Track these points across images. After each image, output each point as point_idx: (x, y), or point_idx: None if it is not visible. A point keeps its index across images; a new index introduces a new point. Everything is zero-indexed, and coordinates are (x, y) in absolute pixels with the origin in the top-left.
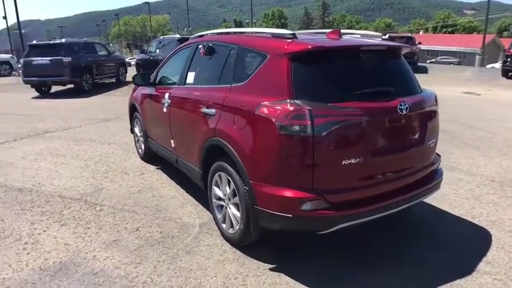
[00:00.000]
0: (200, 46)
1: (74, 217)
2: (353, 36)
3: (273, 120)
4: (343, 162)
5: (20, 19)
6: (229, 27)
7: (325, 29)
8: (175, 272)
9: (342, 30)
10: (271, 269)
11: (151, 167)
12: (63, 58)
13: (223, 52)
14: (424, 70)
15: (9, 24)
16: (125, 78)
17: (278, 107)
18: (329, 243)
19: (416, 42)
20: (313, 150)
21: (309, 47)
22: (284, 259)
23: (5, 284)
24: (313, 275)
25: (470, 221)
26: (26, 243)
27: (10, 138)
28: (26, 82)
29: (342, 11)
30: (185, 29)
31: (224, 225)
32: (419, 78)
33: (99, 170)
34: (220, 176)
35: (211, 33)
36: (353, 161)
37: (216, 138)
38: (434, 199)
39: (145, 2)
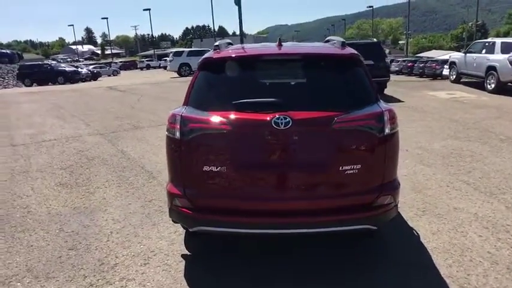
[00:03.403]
0: None
1: None
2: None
3: (166, 123)
4: (204, 168)
5: (270, 24)
6: (468, 29)
7: None
8: None
9: None
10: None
11: None
12: None
13: None
14: None
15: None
16: None
17: (170, 112)
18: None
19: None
20: (180, 153)
21: (212, 57)
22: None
23: None
24: None
25: None
26: None
27: None
28: None
29: None
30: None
31: None
32: None
33: None
34: None
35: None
36: (214, 168)
37: None
38: None
39: (369, 6)
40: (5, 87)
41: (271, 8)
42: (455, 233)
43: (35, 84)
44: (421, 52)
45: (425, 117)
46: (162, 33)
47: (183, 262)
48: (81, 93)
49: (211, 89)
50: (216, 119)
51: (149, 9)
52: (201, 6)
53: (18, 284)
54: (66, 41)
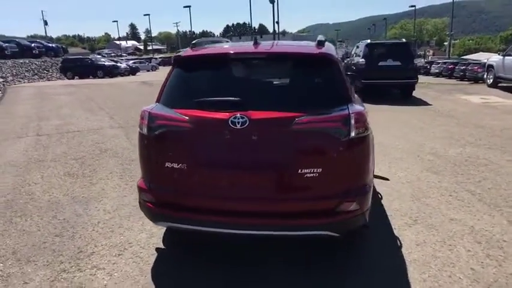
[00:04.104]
0: None
1: None
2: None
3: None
4: (166, 164)
5: (311, 23)
6: None
7: None
8: None
9: None
10: None
11: None
12: None
13: None
14: None
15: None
16: None
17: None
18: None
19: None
20: (146, 148)
21: (181, 55)
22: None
23: None
24: None
25: None
26: None
27: None
28: None
29: None
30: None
31: None
32: None
33: None
34: None
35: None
36: (175, 165)
37: None
38: None
39: (411, 5)
40: (49, 79)
41: (313, 7)
42: (442, 245)
43: (76, 77)
44: (466, 54)
45: (449, 122)
46: (203, 30)
47: (155, 256)
48: (115, 87)
49: (180, 86)
50: (178, 116)
51: (189, 6)
52: (243, 4)
53: (1, 264)
54: (112, 36)
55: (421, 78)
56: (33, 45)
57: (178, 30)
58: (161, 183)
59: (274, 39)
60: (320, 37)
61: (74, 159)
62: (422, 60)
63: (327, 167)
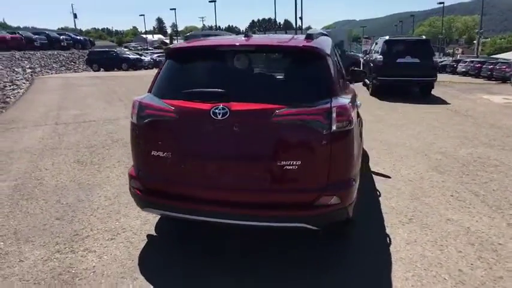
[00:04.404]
0: None
1: None
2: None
3: None
4: (152, 152)
5: (338, 19)
6: None
7: None
8: None
9: None
10: None
11: None
12: None
13: None
14: None
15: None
16: None
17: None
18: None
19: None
20: (136, 136)
21: (170, 47)
22: None
23: None
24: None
25: None
26: None
27: None
28: None
29: None
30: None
31: None
32: None
33: None
34: None
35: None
36: (161, 154)
37: None
38: None
39: (440, 2)
40: (75, 71)
41: (340, 3)
42: (433, 245)
43: (102, 69)
44: (497, 53)
45: (465, 122)
46: (229, 25)
47: (145, 241)
48: (137, 79)
49: (170, 77)
50: (165, 106)
51: (214, 1)
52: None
53: (2, 243)
54: (139, 30)
55: (445, 77)
56: (61, 37)
57: (204, 24)
58: (148, 171)
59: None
60: (311, 30)
61: (86, 147)
62: (450, 58)
63: (307, 160)
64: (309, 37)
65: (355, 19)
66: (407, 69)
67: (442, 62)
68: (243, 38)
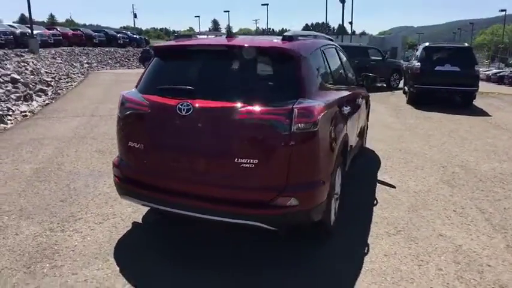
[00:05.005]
0: None
1: None
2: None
3: None
4: (129, 143)
5: (395, 25)
6: None
7: None
8: None
9: None
10: None
11: None
12: None
13: None
14: None
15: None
16: (397, 84)
17: None
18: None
19: None
20: (118, 127)
21: (155, 46)
22: None
23: None
24: None
25: None
26: None
27: None
28: None
29: None
30: None
31: None
32: None
33: None
34: None
35: None
36: (135, 145)
37: None
38: None
39: (502, 10)
40: (129, 68)
41: (398, 9)
42: (413, 260)
43: None
44: None
45: (501, 136)
46: (282, 28)
47: (129, 228)
48: None
49: (153, 74)
50: (141, 101)
51: (267, 4)
52: (323, 3)
53: (6, 218)
54: (195, 31)
55: (495, 88)
56: (119, 35)
57: (257, 27)
58: (127, 160)
59: (350, 40)
60: (289, 32)
61: (110, 138)
62: (508, 69)
63: (265, 159)
64: (286, 39)
65: (413, 25)
66: (446, 77)
67: (499, 72)
68: (225, 39)
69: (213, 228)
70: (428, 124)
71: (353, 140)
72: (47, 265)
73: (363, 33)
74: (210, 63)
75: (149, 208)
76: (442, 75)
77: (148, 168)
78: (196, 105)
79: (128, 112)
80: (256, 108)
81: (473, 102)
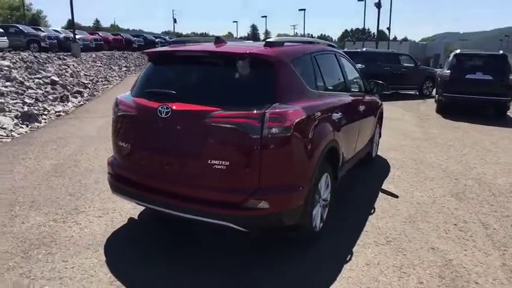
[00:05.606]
0: None
1: None
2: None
3: None
4: (119, 143)
5: (440, 31)
6: None
7: None
8: None
9: None
10: None
11: None
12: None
13: None
14: None
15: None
16: (430, 92)
17: None
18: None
19: None
20: (112, 127)
21: (147, 51)
22: None
23: None
24: None
25: None
26: None
27: None
28: None
29: None
30: None
31: None
32: None
33: None
34: None
35: None
36: (124, 145)
37: None
38: None
39: None
40: None
41: (444, 14)
42: (394, 271)
43: None
44: None
45: None
46: (321, 34)
47: (124, 223)
48: None
49: (144, 78)
50: (130, 103)
51: (304, 10)
52: (363, 8)
53: (18, 208)
54: (233, 36)
55: None
56: (156, 40)
57: (296, 32)
58: (118, 159)
59: (387, 46)
60: (273, 38)
61: None
62: None
63: (236, 162)
64: (269, 45)
65: (459, 32)
66: (477, 86)
67: None
68: (212, 45)
69: (205, 229)
70: (453, 134)
71: (351, 148)
72: (43, 251)
73: (405, 40)
74: (194, 68)
75: None
76: (473, 84)
77: (133, 166)
78: (175, 108)
79: (119, 114)
80: (231, 112)
81: (509, 113)
